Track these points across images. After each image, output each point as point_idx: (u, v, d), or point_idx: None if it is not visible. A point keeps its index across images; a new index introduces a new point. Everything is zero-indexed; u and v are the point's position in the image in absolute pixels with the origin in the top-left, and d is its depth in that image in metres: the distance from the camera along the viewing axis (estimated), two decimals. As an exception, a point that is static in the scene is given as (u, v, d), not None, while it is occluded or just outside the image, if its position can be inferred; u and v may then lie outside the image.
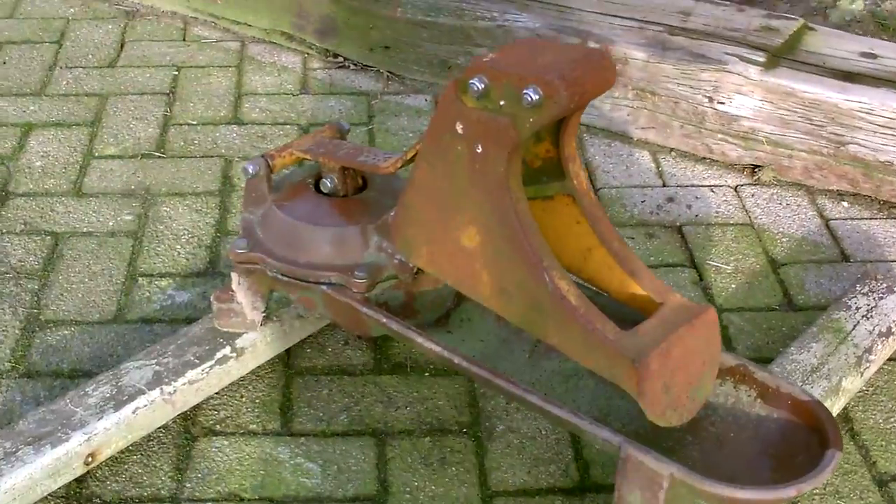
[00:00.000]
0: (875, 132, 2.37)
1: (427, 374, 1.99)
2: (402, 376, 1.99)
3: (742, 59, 2.46)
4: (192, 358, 1.86)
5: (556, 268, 1.62)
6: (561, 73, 1.50)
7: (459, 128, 1.58)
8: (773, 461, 1.61)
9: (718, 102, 2.50)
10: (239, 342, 1.91)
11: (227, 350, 1.88)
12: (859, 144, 2.39)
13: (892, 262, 2.27)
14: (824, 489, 1.79)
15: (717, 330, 1.64)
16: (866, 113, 2.37)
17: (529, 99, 1.49)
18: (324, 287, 1.79)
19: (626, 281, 1.68)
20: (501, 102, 1.53)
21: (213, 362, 1.86)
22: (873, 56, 2.50)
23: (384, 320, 1.75)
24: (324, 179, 1.86)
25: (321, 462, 1.82)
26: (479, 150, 1.57)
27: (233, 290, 1.89)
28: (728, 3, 2.75)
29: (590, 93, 1.54)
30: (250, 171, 1.86)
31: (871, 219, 2.41)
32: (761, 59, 2.46)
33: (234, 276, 1.89)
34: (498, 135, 1.55)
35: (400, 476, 1.80)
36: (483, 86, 1.54)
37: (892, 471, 1.83)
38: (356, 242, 1.80)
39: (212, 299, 1.90)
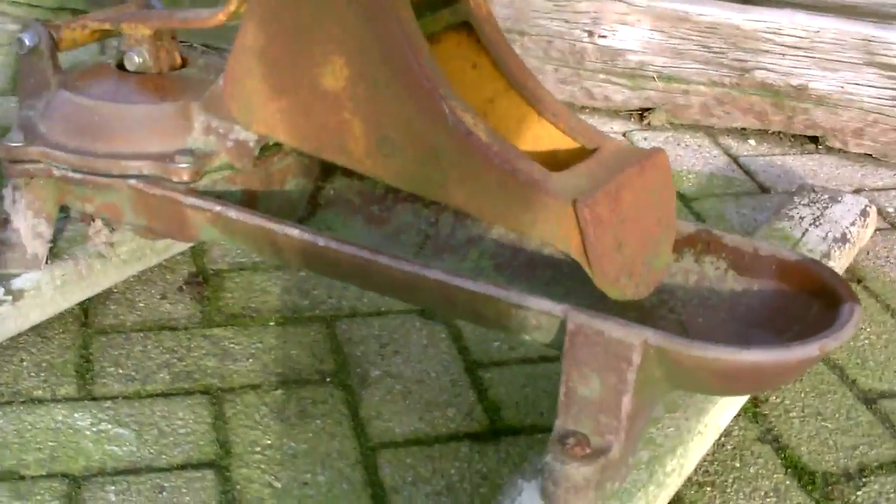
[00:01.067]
0: (784, 54, 2.03)
1: (273, 322, 1.51)
2: (239, 327, 1.51)
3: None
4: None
5: (456, 98, 1.19)
6: None
7: None
8: (761, 341, 1.20)
9: (600, 36, 2.13)
10: (16, 283, 1.41)
11: (-1, 291, 1.39)
12: (767, 69, 2.05)
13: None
14: (804, 410, 1.38)
15: (670, 179, 1.23)
16: (773, 33, 2.04)
17: None
18: (132, 182, 1.32)
19: (546, 129, 1.26)
20: None
21: (-22, 307, 1.36)
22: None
23: (218, 209, 1.28)
24: (129, 53, 1.40)
25: (135, 427, 1.31)
26: (347, -66, 1.15)
27: (5, 212, 1.40)
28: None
29: None
30: (27, 42, 1.38)
31: (783, 154, 2.06)
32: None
33: (7, 191, 1.40)
34: None
35: (246, 435, 1.31)
36: None
37: (877, 388, 1.44)
38: (176, 123, 1.33)
39: (-26, 230, 1.41)
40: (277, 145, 1.39)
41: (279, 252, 1.27)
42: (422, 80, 1.16)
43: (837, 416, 1.38)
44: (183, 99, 1.34)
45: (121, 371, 1.41)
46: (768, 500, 1.24)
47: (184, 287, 1.58)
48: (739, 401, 1.35)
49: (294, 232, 1.23)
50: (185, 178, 1.30)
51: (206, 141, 1.33)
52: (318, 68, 1.21)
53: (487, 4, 1.29)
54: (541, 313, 1.12)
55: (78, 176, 1.33)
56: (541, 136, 1.27)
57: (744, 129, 2.13)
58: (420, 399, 1.38)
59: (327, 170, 1.46)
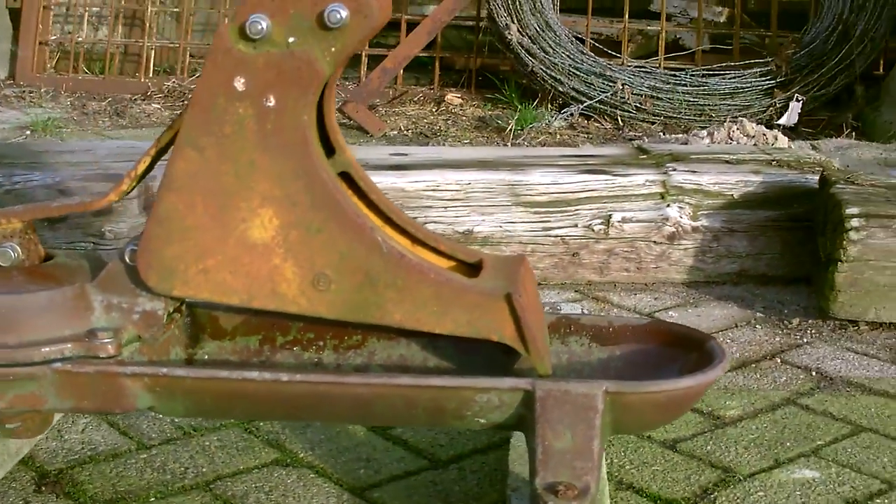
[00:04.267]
0: (446, 207, 2.38)
1: (153, 499, 1.54)
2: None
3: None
4: None
5: (380, 229, 1.38)
6: (353, -9, 1.33)
7: (240, 83, 1.31)
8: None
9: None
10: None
11: None
12: (435, 221, 2.37)
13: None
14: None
15: (534, 279, 1.50)
16: (433, 190, 2.38)
17: (338, 16, 1.29)
18: (57, 365, 1.34)
19: (426, 253, 1.47)
20: (290, 39, 1.31)
21: None
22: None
23: (164, 372, 1.35)
24: (3, 248, 1.42)
25: None
26: (272, 103, 1.32)
27: None
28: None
29: (386, 11, 1.37)
30: None
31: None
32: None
33: None
34: (297, 75, 1.31)
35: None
36: (266, 24, 1.30)
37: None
38: (77, 305, 1.38)
39: None
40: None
41: (231, 403, 1.36)
42: (354, 219, 1.35)
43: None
44: (77, 282, 1.40)
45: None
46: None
47: (42, 488, 1.56)
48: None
49: (254, 374, 1.33)
50: (112, 351, 1.36)
51: (108, 318, 1.39)
52: (245, 224, 1.35)
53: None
54: (505, 391, 1.32)
55: (-4, 371, 1.33)
56: (425, 257, 1.48)
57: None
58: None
59: (192, 337, 1.55)
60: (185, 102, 4.83)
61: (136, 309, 1.40)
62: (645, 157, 2.70)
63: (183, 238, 1.35)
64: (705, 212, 2.51)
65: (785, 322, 2.30)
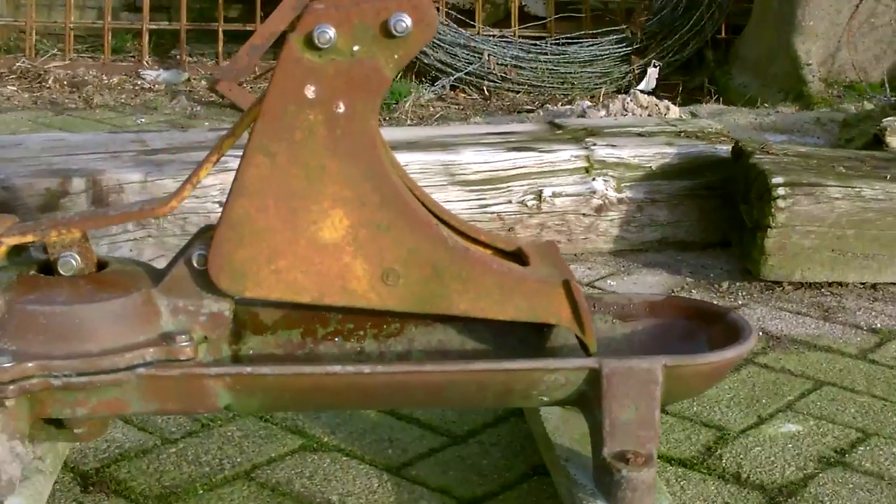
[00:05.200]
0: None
1: (202, 490, 1.59)
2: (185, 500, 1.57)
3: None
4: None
5: (444, 226, 1.46)
6: (410, 1, 1.39)
7: (310, 91, 1.37)
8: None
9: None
10: (3, 507, 1.37)
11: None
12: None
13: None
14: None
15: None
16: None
17: (404, 25, 1.35)
18: (140, 370, 1.38)
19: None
20: (355, 48, 1.37)
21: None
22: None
23: (248, 371, 1.40)
24: (63, 258, 1.43)
25: None
26: (341, 109, 1.38)
27: (-27, 437, 1.36)
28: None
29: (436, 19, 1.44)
30: (-37, 264, 1.37)
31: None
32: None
33: (-21, 420, 1.36)
34: (366, 82, 1.37)
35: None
36: (332, 33, 1.36)
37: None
38: (147, 312, 1.42)
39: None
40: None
41: (310, 397, 1.42)
42: (420, 216, 1.42)
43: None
44: (143, 288, 1.43)
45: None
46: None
47: (89, 487, 1.58)
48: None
49: (336, 368, 1.40)
50: (191, 354, 1.40)
51: (176, 322, 1.43)
52: (316, 226, 1.41)
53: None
54: (572, 371, 1.43)
55: (78, 380, 1.35)
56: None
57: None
58: None
59: (235, 334, 1.59)
60: (41, 83, 4.72)
61: (202, 311, 1.44)
62: (561, 132, 2.84)
63: (254, 241, 1.40)
64: (628, 184, 2.65)
65: (715, 285, 2.47)
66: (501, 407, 1.71)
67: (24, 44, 5.11)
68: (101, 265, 1.48)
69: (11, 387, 1.34)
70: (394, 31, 1.35)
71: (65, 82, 4.71)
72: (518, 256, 1.54)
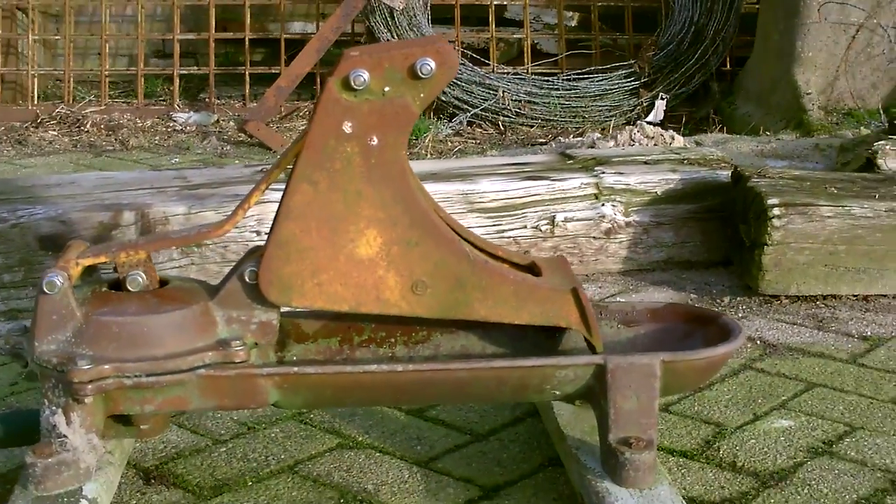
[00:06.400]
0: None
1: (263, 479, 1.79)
2: (240, 491, 1.76)
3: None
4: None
5: (465, 241, 1.66)
6: (434, 47, 1.60)
7: (348, 127, 1.57)
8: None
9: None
10: (88, 491, 1.56)
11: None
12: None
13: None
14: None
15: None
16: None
17: (429, 68, 1.56)
18: (201, 371, 1.57)
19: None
20: (386, 89, 1.57)
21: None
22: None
23: (294, 370, 1.60)
24: (131, 276, 1.64)
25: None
26: (375, 142, 1.58)
27: (62, 435, 1.55)
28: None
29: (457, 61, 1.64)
30: (59, 283, 1.57)
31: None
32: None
33: (59, 417, 1.56)
34: (396, 118, 1.57)
35: None
36: (366, 76, 1.56)
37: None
38: (205, 321, 1.62)
39: (29, 461, 1.54)
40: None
41: (348, 393, 1.62)
42: (445, 233, 1.62)
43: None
44: (201, 301, 1.63)
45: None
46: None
47: (151, 480, 1.78)
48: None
49: (372, 367, 1.59)
50: (244, 357, 1.60)
51: (230, 330, 1.63)
52: (353, 243, 1.61)
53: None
54: (581, 367, 1.62)
55: (147, 380, 1.55)
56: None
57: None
58: None
59: (280, 342, 1.78)
60: (80, 127, 4.94)
61: (253, 320, 1.64)
62: (572, 161, 3.04)
63: (300, 258, 1.60)
64: (635, 208, 2.85)
65: (717, 300, 2.66)
66: (518, 401, 1.89)
67: (61, 91, 5.36)
68: (163, 282, 1.69)
69: (90, 386, 1.54)
70: (420, 74, 1.56)
71: (101, 126, 4.95)
72: (531, 269, 1.74)
